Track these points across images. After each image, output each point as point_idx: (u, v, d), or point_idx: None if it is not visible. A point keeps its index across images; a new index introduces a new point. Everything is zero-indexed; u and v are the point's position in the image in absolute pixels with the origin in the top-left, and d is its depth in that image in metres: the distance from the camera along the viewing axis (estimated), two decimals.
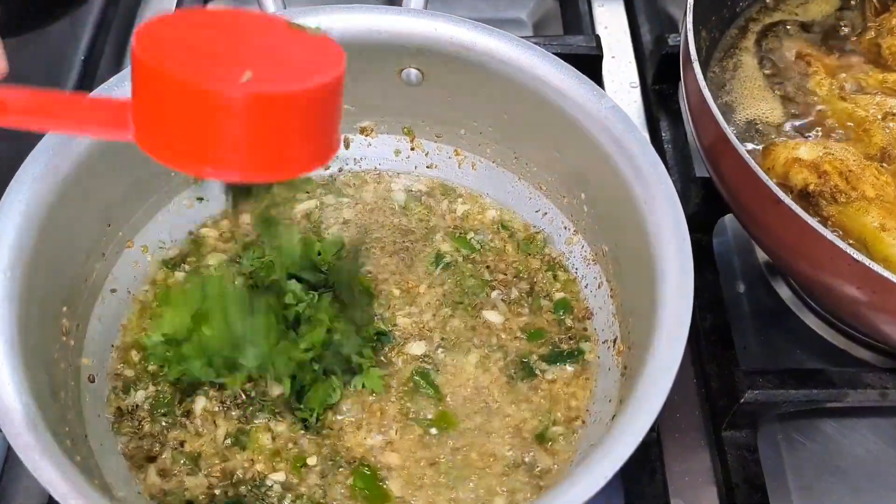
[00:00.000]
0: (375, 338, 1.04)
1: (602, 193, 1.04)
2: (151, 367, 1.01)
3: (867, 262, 0.86)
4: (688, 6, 1.06)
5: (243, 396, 1.00)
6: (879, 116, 1.10)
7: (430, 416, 1.00)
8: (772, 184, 0.91)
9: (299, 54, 0.64)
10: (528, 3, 1.61)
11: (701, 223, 1.21)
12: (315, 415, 0.98)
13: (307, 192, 1.18)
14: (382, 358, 1.04)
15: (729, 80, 1.19)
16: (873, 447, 1.12)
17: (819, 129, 1.12)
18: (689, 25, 1.05)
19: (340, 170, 1.20)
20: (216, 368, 0.94)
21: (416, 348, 1.05)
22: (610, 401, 0.97)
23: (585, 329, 1.07)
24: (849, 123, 1.11)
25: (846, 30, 1.23)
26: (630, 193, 0.95)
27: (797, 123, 1.13)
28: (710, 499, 1.06)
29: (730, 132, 0.96)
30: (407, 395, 1.01)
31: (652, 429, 1.04)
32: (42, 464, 0.77)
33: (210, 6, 1.52)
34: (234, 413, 0.99)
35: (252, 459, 0.96)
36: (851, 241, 0.99)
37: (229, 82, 0.57)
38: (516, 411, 1.01)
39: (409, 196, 1.19)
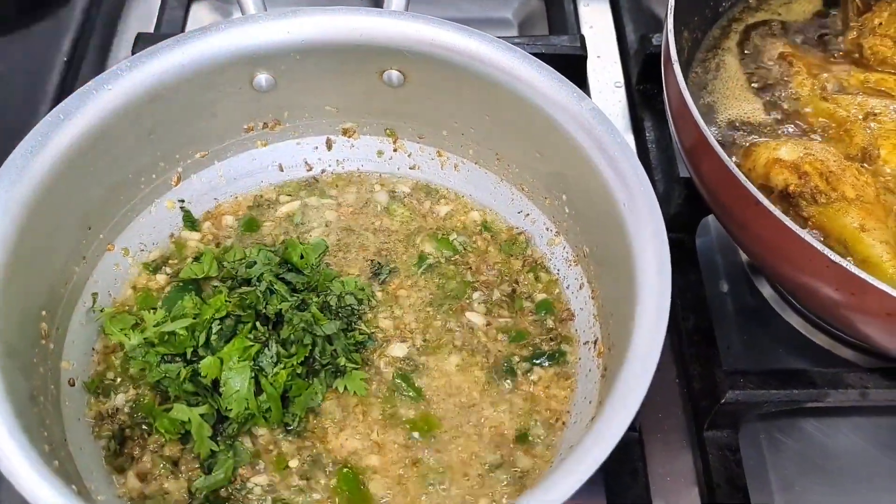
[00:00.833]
0: (361, 339, 1.04)
1: (583, 195, 1.04)
2: (132, 371, 1.01)
3: (844, 263, 0.86)
4: (669, 6, 1.06)
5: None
6: (861, 116, 1.10)
7: (411, 418, 1.00)
8: (750, 185, 0.91)
9: None
10: (513, 3, 1.61)
11: (684, 223, 1.22)
12: (297, 419, 0.98)
13: (289, 195, 1.18)
14: (364, 360, 1.04)
15: (711, 80, 1.19)
16: (855, 446, 1.12)
17: (800, 129, 1.12)
18: (670, 26, 1.05)
19: (323, 171, 1.20)
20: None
21: (398, 350, 1.05)
22: (590, 402, 0.98)
23: (567, 330, 1.07)
24: (830, 124, 1.11)
25: (829, 30, 1.23)
26: (610, 195, 0.96)
27: (779, 124, 1.13)
28: (692, 499, 1.07)
29: (709, 134, 0.96)
30: (389, 397, 1.02)
31: (634, 429, 1.06)
32: (19, 470, 0.77)
33: (194, 7, 1.51)
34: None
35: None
36: (832, 242, 1.00)
37: None
38: (497, 413, 1.01)
39: (392, 197, 1.19)
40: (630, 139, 1.37)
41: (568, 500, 0.78)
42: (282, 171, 1.19)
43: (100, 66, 1.44)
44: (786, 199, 1.03)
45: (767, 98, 1.16)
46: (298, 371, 0.99)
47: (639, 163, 0.96)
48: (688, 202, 1.22)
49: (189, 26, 1.49)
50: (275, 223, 1.16)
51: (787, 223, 0.89)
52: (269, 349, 0.98)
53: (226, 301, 1.00)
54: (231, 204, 1.17)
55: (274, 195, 1.18)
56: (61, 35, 1.41)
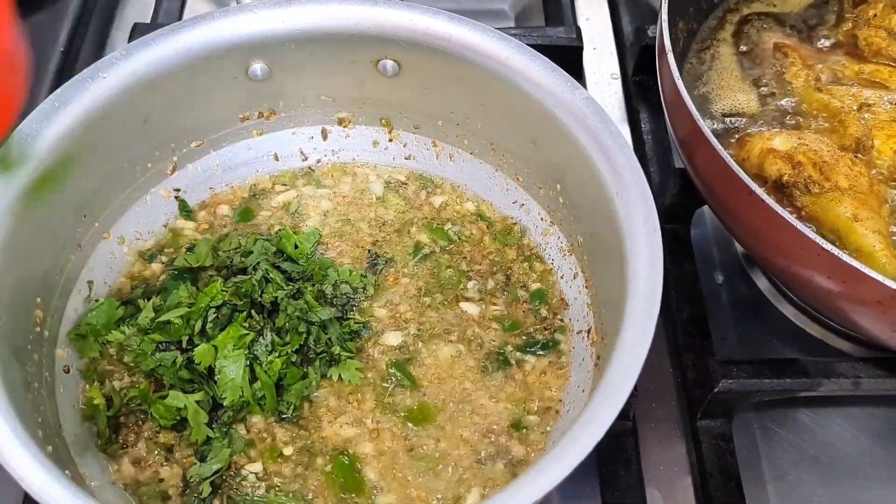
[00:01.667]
0: (356, 328, 1.04)
1: (577, 185, 1.04)
2: (127, 359, 1.01)
3: (836, 252, 0.86)
4: None
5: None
6: (855, 107, 1.11)
7: (406, 407, 1.01)
8: (744, 175, 0.92)
9: None
10: None
11: (679, 214, 1.22)
12: (292, 407, 0.99)
13: (285, 184, 1.18)
14: (359, 349, 1.04)
15: (706, 71, 1.19)
16: (847, 436, 1.12)
17: (795, 120, 1.12)
18: (665, 16, 1.05)
19: (318, 161, 1.21)
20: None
21: (393, 339, 1.05)
22: (584, 391, 0.98)
23: (561, 319, 1.07)
24: (824, 114, 1.11)
25: (824, 21, 1.23)
26: (603, 185, 0.96)
27: (773, 114, 1.13)
28: (686, 488, 1.07)
29: (703, 124, 0.96)
30: (383, 385, 1.02)
31: (628, 418, 1.06)
32: (12, 454, 0.77)
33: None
34: None
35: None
36: (825, 232, 1.00)
37: None
38: (491, 401, 1.01)
39: (388, 187, 1.19)
40: (626, 131, 1.38)
41: (560, 488, 0.78)
42: (277, 160, 1.19)
43: (96, 57, 1.43)
44: (779, 189, 1.04)
45: (762, 89, 1.16)
46: (293, 359, 1.00)
47: (632, 152, 0.96)
48: (683, 193, 1.22)
49: (186, 16, 1.49)
50: (270, 212, 1.16)
51: (780, 212, 0.89)
52: (263, 337, 0.98)
53: (221, 290, 1.00)
54: (226, 193, 1.17)
55: (269, 184, 1.18)
56: (58, 25, 1.41)
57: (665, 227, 0.91)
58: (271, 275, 1.03)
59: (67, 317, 1.02)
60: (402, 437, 0.98)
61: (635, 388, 0.82)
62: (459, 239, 1.14)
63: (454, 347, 1.05)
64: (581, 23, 1.49)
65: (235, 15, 1.05)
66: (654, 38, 1.35)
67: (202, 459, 0.95)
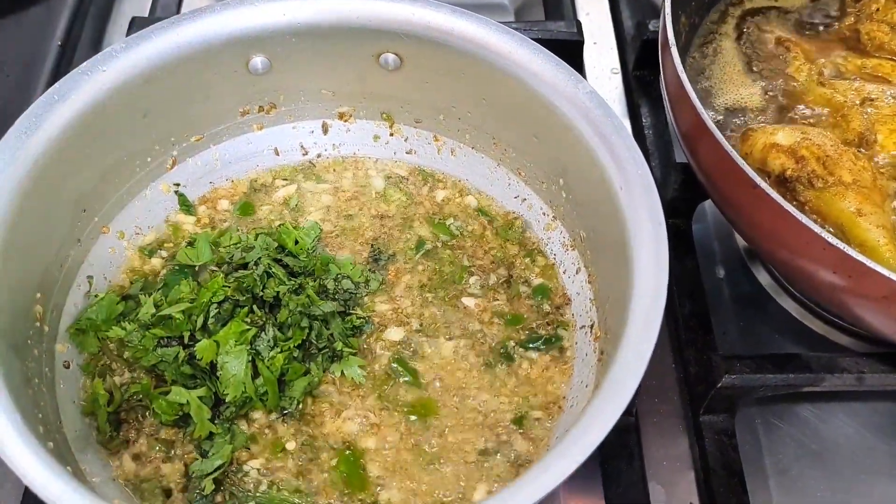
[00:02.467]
0: (358, 323, 1.04)
1: (580, 179, 1.03)
2: (128, 354, 1.00)
3: (842, 245, 0.86)
4: None
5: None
6: (857, 102, 1.10)
7: (408, 402, 1.00)
8: (748, 168, 0.91)
9: None
10: None
11: (680, 208, 1.22)
12: (295, 402, 0.98)
13: (285, 179, 1.18)
14: (362, 344, 1.04)
15: (708, 65, 1.18)
16: (850, 431, 1.12)
17: (797, 114, 1.12)
18: (668, 10, 1.05)
19: (319, 155, 1.20)
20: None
21: (395, 334, 1.05)
22: (587, 386, 0.97)
23: (563, 315, 1.07)
24: (827, 108, 1.11)
25: (826, 16, 1.23)
26: (607, 179, 0.95)
27: (776, 109, 1.13)
28: (688, 483, 1.07)
29: (707, 118, 0.96)
30: (386, 381, 1.01)
31: (630, 414, 1.05)
32: (16, 451, 0.76)
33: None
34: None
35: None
36: (829, 226, 1.00)
37: None
38: (494, 397, 1.01)
39: (389, 182, 1.19)
40: (626, 125, 1.36)
41: (564, 483, 0.77)
42: (277, 155, 1.19)
43: (94, 51, 1.43)
44: (783, 183, 1.03)
45: (765, 83, 1.16)
46: (295, 355, 0.99)
47: (636, 146, 0.95)
48: (684, 187, 1.22)
49: (183, 10, 1.48)
50: (271, 207, 1.15)
51: (784, 206, 0.88)
52: (265, 333, 0.97)
53: (223, 285, 0.99)
54: (227, 188, 1.17)
55: (270, 179, 1.18)
56: (55, 19, 1.40)
57: (666, 222, 0.90)
58: (273, 270, 1.02)
59: (67, 312, 1.01)
60: (405, 433, 0.98)
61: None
62: (461, 234, 1.14)
63: (456, 343, 1.04)
64: (581, 17, 1.49)
65: (236, 8, 1.04)
66: (655, 32, 1.35)
67: (203, 455, 0.94)
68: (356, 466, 0.95)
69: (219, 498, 0.93)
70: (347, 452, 0.96)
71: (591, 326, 1.02)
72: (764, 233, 0.98)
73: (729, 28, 1.22)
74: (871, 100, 1.10)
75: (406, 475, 0.95)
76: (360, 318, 1.04)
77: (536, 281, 1.10)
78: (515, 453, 0.97)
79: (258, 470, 0.95)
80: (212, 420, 0.95)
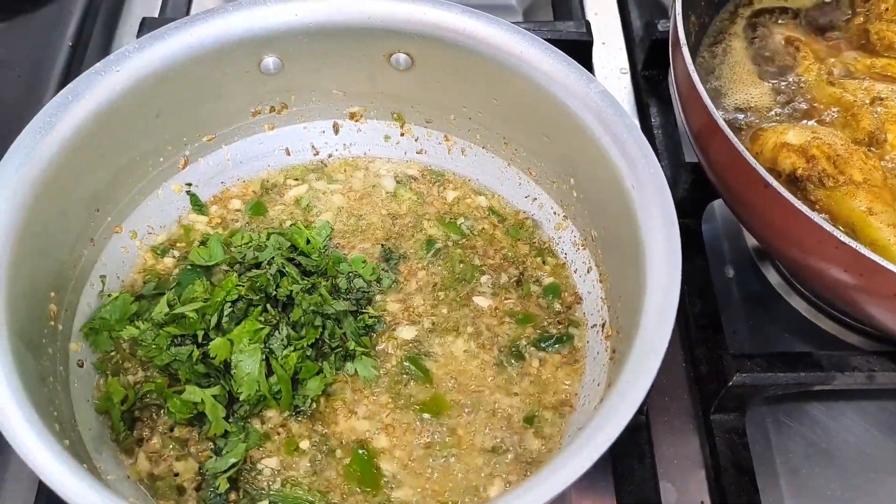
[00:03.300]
0: (370, 322, 1.04)
1: (591, 179, 1.04)
2: (141, 353, 1.01)
3: (854, 244, 0.86)
4: None
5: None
6: (867, 101, 1.10)
7: (421, 401, 1.00)
8: (760, 167, 0.91)
9: None
10: None
11: (690, 208, 1.22)
12: (309, 401, 0.98)
13: (296, 179, 1.18)
14: (374, 343, 1.04)
15: (718, 65, 1.19)
16: (860, 430, 1.12)
17: (807, 113, 1.12)
18: (679, 9, 1.05)
19: (330, 155, 1.20)
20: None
21: (407, 333, 1.05)
22: (599, 385, 0.98)
23: (574, 314, 1.07)
24: (836, 108, 1.11)
25: (835, 15, 1.23)
26: (619, 178, 0.96)
27: (786, 108, 1.13)
28: (699, 482, 1.07)
29: (718, 117, 0.96)
30: (398, 379, 1.02)
31: (641, 412, 1.05)
32: (33, 448, 0.77)
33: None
34: None
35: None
36: (839, 225, 1.00)
37: None
38: (506, 395, 1.01)
39: (399, 182, 1.19)
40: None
41: (575, 482, 0.77)
42: (289, 155, 1.19)
43: (105, 51, 1.44)
44: (793, 182, 1.04)
45: (774, 83, 1.16)
46: (308, 353, 0.99)
47: (648, 145, 0.96)
48: (694, 187, 1.22)
49: (193, 10, 1.49)
50: (282, 207, 1.16)
51: (796, 205, 0.89)
52: (279, 332, 0.98)
53: (237, 285, 1.00)
54: (238, 188, 1.17)
55: (281, 179, 1.18)
56: (66, 19, 1.40)
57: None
58: (287, 269, 1.03)
59: (81, 311, 1.02)
60: (417, 431, 0.98)
61: None
62: (472, 233, 1.14)
63: (468, 342, 1.05)
64: (589, 17, 1.49)
65: (248, 8, 1.05)
66: (664, 32, 1.36)
67: (217, 453, 0.95)
68: (369, 465, 0.96)
69: (233, 496, 0.93)
70: (361, 451, 0.96)
71: (603, 325, 1.03)
72: (775, 232, 0.98)
73: (738, 28, 1.22)
74: (881, 99, 1.11)
75: (419, 473, 0.96)
76: (372, 317, 1.04)
77: (547, 280, 1.10)
78: (527, 452, 0.97)
79: (272, 468, 0.95)
80: (226, 418, 0.95)
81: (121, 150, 1.04)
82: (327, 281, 1.05)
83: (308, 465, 0.96)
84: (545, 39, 1.05)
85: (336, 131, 1.20)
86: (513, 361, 1.04)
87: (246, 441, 0.95)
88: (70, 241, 1.00)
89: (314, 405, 0.99)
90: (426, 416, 0.99)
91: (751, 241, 1.27)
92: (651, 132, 1.32)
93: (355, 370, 1.01)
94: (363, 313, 1.04)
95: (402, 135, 1.20)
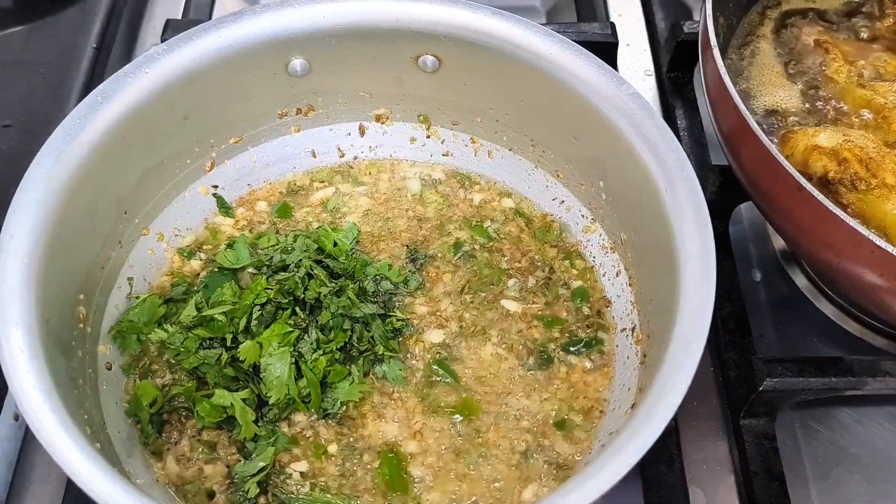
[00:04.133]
0: (399, 325, 1.04)
1: (621, 181, 1.03)
2: (169, 356, 1.01)
3: (890, 248, 0.86)
4: None
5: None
6: None
7: (449, 405, 1.00)
8: (793, 170, 0.91)
9: None
10: None
11: (717, 211, 1.21)
12: (339, 404, 0.98)
13: (322, 181, 1.18)
14: (402, 346, 1.04)
15: (746, 67, 1.18)
16: (889, 436, 1.12)
17: (838, 116, 1.12)
18: (709, 10, 1.04)
19: (356, 158, 1.20)
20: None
21: (435, 336, 1.05)
22: (629, 389, 0.97)
23: (603, 318, 1.07)
24: (868, 110, 1.11)
25: (865, 17, 1.22)
26: (650, 180, 0.95)
27: (816, 111, 1.12)
28: (729, 487, 1.06)
29: (751, 118, 0.95)
30: (426, 383, 1.02)
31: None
32: (67, 452, 0.77)
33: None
34: None
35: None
36: (871, 229, 0.99)
37: None
38: (535, 400, 1.01)
39: (425, 184, 1.19)
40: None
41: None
42: (315, 157, 1.19)
43: (128, 53, 1.44)
44: (825, 186, 1.03)
45: (804, 85, 1.15)
46: (337, 356, 0.99)
47: (679, 147, 0.95)
48: (721, 190, 1.22)
49: (216, 13, 1.49)
50: (308, 209, 1.16)
51: (831, 208, 0.88)
52: (308, 335, 0.98)
53: (266, 288, 1.00)
54: (264, 190, 1.17)
55: (307, 181, 1.18)
56: (90, 22, 1.41)
57: None
58: (315, 271, 1.03)
59: (109, 313, 1.02)
60: (446, 435, 0.98)
61: None
62: (499, 236, 1.14)
63: (496, 345, 1.05)
64: (613, 18, 1.49)
65: (277, 10, 1.05)
66: (689, 34, 1.35)
67: (247, 457, 0.94)
68: (398, 469, 0.95)
69: (262, 500, 0.93)
70: (390, 455, 0.96)
71: (633, 329, 1.02)
72: (808, 235, 0.98)
73: (767, 30, 1.21)
74: None
75: (448, 477, 0.95)
76: (400, 320, 1.04)
77: (575, 283, 1.10)
78: (557, 456, 0.97)
79: (302, 472, 0.95)
80: (255, 422, 0.95)
81: (148, 152, 1.04)
82: (354, 284, 1.04)
83: (337, 469, 0.96)
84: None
85: (362, 133, 1.20)
86: (541, 365, 1.03)
87: (274, 445, 0.95)
88: (98, 243, 1.00)
89: (344, 408, 0.98)
90: (455, 419, 0.99)
91: (777, 243, 1.27)
92: (677, 134, 1.28)
93: (383, 373, 1.01)
94: (391, 316, 1.04)
95: (429, 137, 1.20)
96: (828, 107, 1.13)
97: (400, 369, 1.01)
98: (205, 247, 1.12)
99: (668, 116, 1.36)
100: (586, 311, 1.07)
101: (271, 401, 0.95)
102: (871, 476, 1.09)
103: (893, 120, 1.08)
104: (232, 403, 0.95)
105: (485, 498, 0.94)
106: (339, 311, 0.99)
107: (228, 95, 1.08)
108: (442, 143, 1.20)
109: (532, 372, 1.03)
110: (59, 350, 0.89)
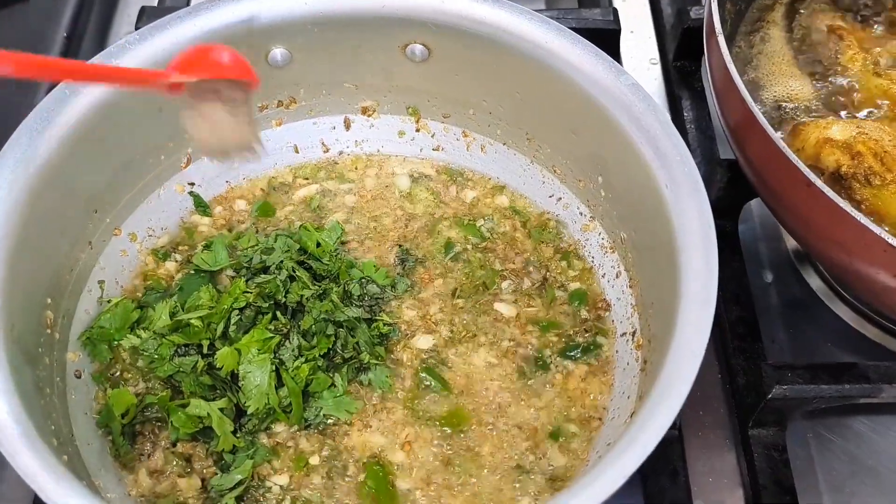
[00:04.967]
0: (385, 330, 1.05)
1: (621, 177, 1.04)
2: (142, 363, 1.01)
3: None
4: None
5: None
6: None
7: (439, 414, 1.01)
8: (802, 165, 0.91)
9: None
10: None
11: (725, 208, 1.22)
12: (321, 414, 0.99)
13: (306, 178, 1.19)
14: (388, 351, 1.05)
15: (755, 55, 1.19)
16: None
17: (852, 107, 1.12)
18: None
19: (341, 152, 1.21)
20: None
21: (423, 342, 1.06)
22: (629, 397, 0.98)
23: (602, 321, 1.07)
24: (884, 101, 1.11)
25: (880, 1, 1.23)
26: (651, 176, 0.96)
27: (828, 101, 1.13)
28: (736, 501, 1.07)
29: (757, 111, 0.96)
30: (414, 391, 1.02)
31: (674, 426, 1.05)
32: (31, 464, 0.77)
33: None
34: None
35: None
36: (886, 227, 1.00)
37: None
38: (529, 408, 1.01)
39: (414, 181, 1.19)
40: None
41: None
42: (297, 152, 1.20)
43: (101, 42, 1.45)
44: (837, 181, 1.03)
45: (816, 74, 1.16)
46: (320, 364, 1.00)
47: (681, 141, 0.96)
48: (730, 186, 1.22)
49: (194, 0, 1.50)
50: (291, 208, 1.16)
51: (841, 205, 0.89)
52: (290, 341, 0.99)
53: (245, 291, 1.00)
54: (244, 187, 1.18)
55: (289, 178, 1.19)
56: (61, 9, 1.41)
57: None
58: (297, 273, 1.04)
59: (78, 319, 1.03)
60: (435, 446, 0.99)
61: None
62: (492, 236, 1.14)
63: (489, 351, 1.05)
64: (617, 4, 1.49)
65: None
66: (696, 20, 1.36)
67: (224, 470, 0.95)
68: (385, 482, 0.96)
69: None
70: (376, 467, 0.97)
71: (633, 333, 1.03)
72: (818, 234, 0.98)
73: (777, 15, 1.22)
74: None
75: (437, 491, 0.96)
76: (386, 324, 1.05)
77: (573, 285, 1.10)
78: (552, 469, 0.98)
79: (281, 486, 0.96)
80: (233, 433, 0.96)
81: (120, 147, 1.05)
82: (339, 286, 1.05)
83: (319, 481, 0.96)
84: (570, 28, 1.05)
85: (347, 127, 1.20)
86: (537, 372, 1.04)
87: (253, 457, 0.96)
88: (67, 244, 1.01)
89: (325, 419, 0.99)
90: (445, 430, 1.00)
91: (790, 243, 1.27)
92: (683, 127, 1.32)
93: (369, 380, 1.01)
94: (377, 320, 1.05)
95: (418, 130, 1.21)
96: (842, 97, 1.13)
97: (387, 376, 1.02)
98: (180, 248, 1.12)
99: (674, 108, 1.37)
100: (584, 314, 1.08)
101: (250, 411, 0.96)
102: (888, 489, 1.09)
103: None
104: (208, 413, 0.96)
105: None
106: (322, 316, 1.00)
107: None
108: (432, 136, 1.20)
109: (527, 379, 1.03)
110: (24, 357, 0.89)
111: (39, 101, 0.98)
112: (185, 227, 1.14)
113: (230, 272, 1.08)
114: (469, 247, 1.13)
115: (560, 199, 1.15)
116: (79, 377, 1.00)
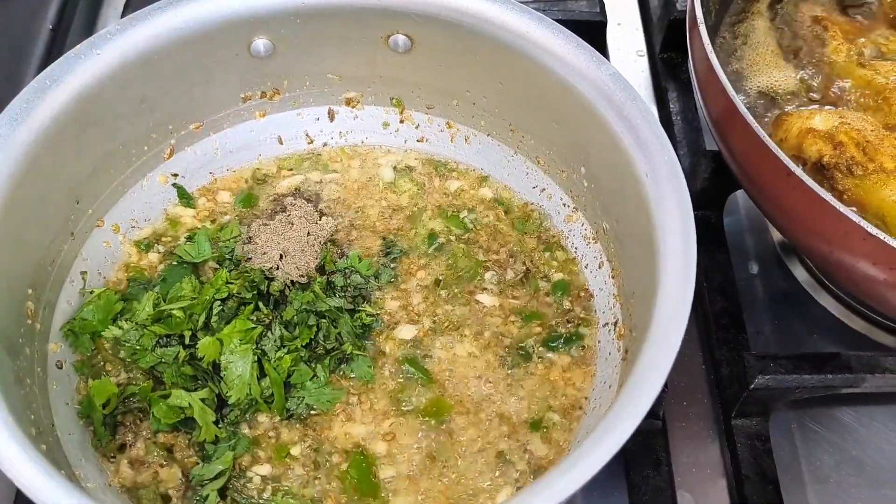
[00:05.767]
0: (368, 321, 1.05)
1: (603, 167, 1.04)
2: (124, 354, 1.02)
3: (883, 236, 0.86)
4: None
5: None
6: None
7: (421, 405, 1.01)
8: (782, 154, 0.92)
9: None
10: None
11: (711, 199, 1.22)
12: (304, 405, 0.99)
13: (290, 169, 1.19)
14: (370, 343, 1.05)
15: (740, 46, 1.19)
16: (893, 436, 1.13)
17: (835, 97, 1.12)
18: None
19: (325, 144, 1.21)
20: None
21: (406, 333, 1.06)
22: (610, 387, 0.98)
23: (585, 312, 1.08)
24: (867, 91, 1.11)
25: None
26: (631, 166, 0.96)
27: (812, 92, 1.13)
28: (719, 492, 1.08)
29: (738, 101, 0.96)
30: (397, 382, 1.03)
31: (657, 418, 1.06)
32: (8, 452, 0.78)
33: None
34: None
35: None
36: (869, 217, 1.00)
37: None
38: (512, 398, 1.02)
39: (399, 172, 1.20)
40: (653, 111, 1.37)
41: (585, 491, 0.78)
42: (281, 143, 1.20)
43: (87, 34, 1.44)
44: (820, 171, 1.04)
45: (800, 65, 1.16)
46: (302, 355, 1.00)
47: (662, 131, 0.96)
48: (715, 177, 1.23)
49: None
50: (275, 199, 1.17)
51: (821, 194, 0.89)
52: (272, 332, 0.99)
53: (227, 282, 1.01)
54: (227, 178, 1.18)
55: (274, 169, 1.19)
56: (46, 1, 1.41)
57: (696, 214, 0.91)
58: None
59: (60, 309, 1.03)
60: (417, 436, 0.99)
61: (665, 384, 0.82)
62: (476, 227, 1.15)
63: (471, 342, 1.06)
64: None
65: None
66: (683, 11, 1.35)
67: (205, 460, 0.96)
68: (367, 472, 0.96)
69: None
70: (359, 457, 0.97)
71: (615, 324, 1.03)
72: (799, 223, 0.99)
73: (762, 6, 1.22)
74: None
75: (419, 480, 0.97)
76: (369, 315, 1.05)
77: (556, 276, 1.11)
78: (534, 459, 0.98)
79: (262, 476, 0.96)
80: (216, 423, 0.96)
81: (102, 138, 1.05)
82: (322, 277, 1.06)
83: (301, 471, 0.97)
84: (556, 20, 1.05)
85: (331, 118, 1.21)
86: (519, 363, 1.04)
87: (234, 448, 0.96)
88: (49, 235, 1.01)
89: (307, 409, 0.99)
90: (427, 420, 1.00)
91: (776, 235, 1.28)
92: (670, 118, 1.33)
93: (351, 371, 1.02)
94: (360, 311, 1.05)
95: (402, 121, 1.21)
96: (825, 87, 1.14)
97: (369, 366, 1.02)
98: (163, 239, 1.13)
99: (661, 100, 1.38)
100: (567, 304, 1.09)
101: (231, 401, 0.97)
102: (872, 480, 1.10)
103: (894, 101, 1.09)
104: (190, 404, 0.96)
105: (458, 502, 0.95)
106: (305, 307, 1.01)
107: (188, 78, 1.09)
108: (416, 127, 1.21)
109: (509, 370, 1.04)
110: (4, 347, 0.90)
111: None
112: (169, 218, 1.14)
113: (213, 264, 1.08)
114: (453, 238, 1.14)
115: (543, 189, 1.16)
116: (60, 368, 1.00)
